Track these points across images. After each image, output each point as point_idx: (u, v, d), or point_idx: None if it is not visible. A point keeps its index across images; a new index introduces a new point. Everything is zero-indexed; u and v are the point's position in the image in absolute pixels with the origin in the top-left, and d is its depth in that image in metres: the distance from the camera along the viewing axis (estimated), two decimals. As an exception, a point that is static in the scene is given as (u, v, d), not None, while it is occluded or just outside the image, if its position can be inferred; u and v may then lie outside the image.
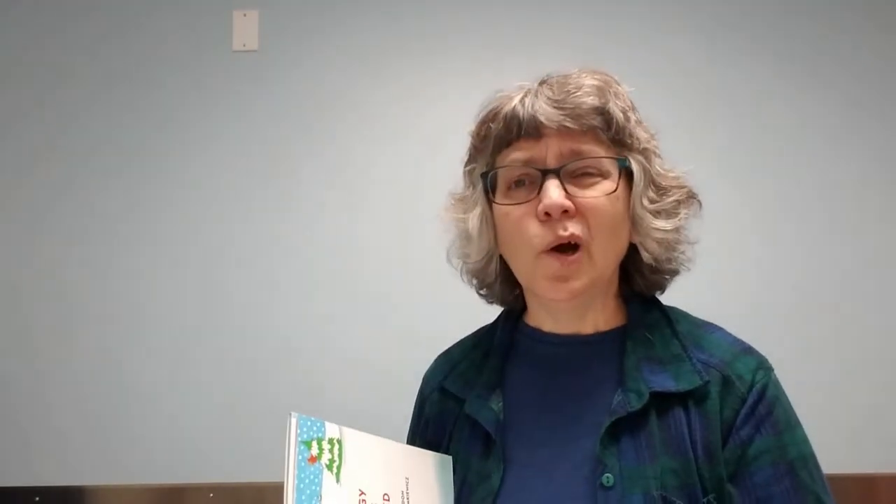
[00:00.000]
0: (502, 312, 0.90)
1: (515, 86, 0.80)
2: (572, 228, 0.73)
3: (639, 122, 0.79)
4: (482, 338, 0.90)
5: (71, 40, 1.89)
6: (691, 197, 0.81)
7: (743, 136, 1.81)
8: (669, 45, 1.83)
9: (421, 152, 1.82)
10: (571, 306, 0.79)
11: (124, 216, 1.83)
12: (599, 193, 0.75)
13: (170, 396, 1.77)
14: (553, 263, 0.75)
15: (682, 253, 0.81)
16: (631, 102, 0.80)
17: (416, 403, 0.93)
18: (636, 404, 0.73)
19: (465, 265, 0.87)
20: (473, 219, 0.81)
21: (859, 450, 1.67)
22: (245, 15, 1.88)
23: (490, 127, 0.79)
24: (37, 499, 1.70)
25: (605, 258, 0.76)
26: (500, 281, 0.86)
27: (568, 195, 0.73)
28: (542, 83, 0.79)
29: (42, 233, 1.83)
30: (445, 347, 0.94)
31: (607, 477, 0.71)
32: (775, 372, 0.77)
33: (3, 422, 1.78)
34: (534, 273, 0.77)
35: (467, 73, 1.85)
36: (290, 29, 1.89)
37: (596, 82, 0.76)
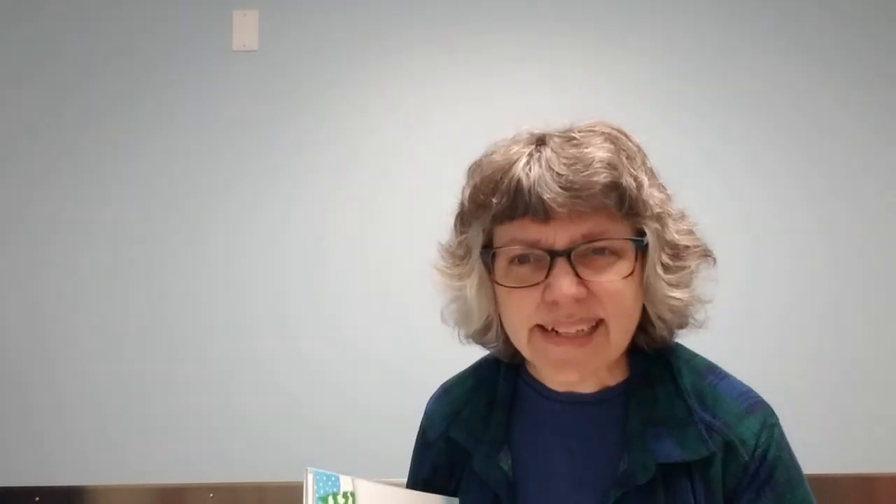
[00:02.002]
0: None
1: (511, 139, 0.75)
2: (585, 312, 0.70)
3: (652, 182, 0.73)
4: (483, 379, 0.86)
5: (70, 40, 1.89)
6: (706, 256, 0.76)
7: (762, 134, 1.79)
8: (683, 44, 1.82)
9: (424, 153, 1.81)
10: None
11: (125, 216, 1.83)
12: (615, 277, 0.70)
13: (170, 396, 1.77)
14: (551, 348, 0.72)
15: (694, 315, 0.77)
16: (643, 156, 0.74)
17: (418, 442, 0.90)
18: (642, 478, 0.71)
19: (462, 330, 0.84)
20: (471, 288, 0.77)
21: (863, 450, 1.66)
22: (245, 15, 1.88)
23: (491, 199, 0.71)
24: (37, 499, 1.70)
25: (621, 337, 0.73)
26: (503, 341, 0.81)
27: (580, 280, 0.69)
28: (542, 143, 0.72)
29: (57, 232, 1.83)
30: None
31: None
32: (780, 424, 0.76)
33: (3, 422, 1.78)
34: (532, 354, 0.75)
35: (471, 73, 1.84)
36: (290, 29, 1.89)
37: (607, 154, 0.69)
